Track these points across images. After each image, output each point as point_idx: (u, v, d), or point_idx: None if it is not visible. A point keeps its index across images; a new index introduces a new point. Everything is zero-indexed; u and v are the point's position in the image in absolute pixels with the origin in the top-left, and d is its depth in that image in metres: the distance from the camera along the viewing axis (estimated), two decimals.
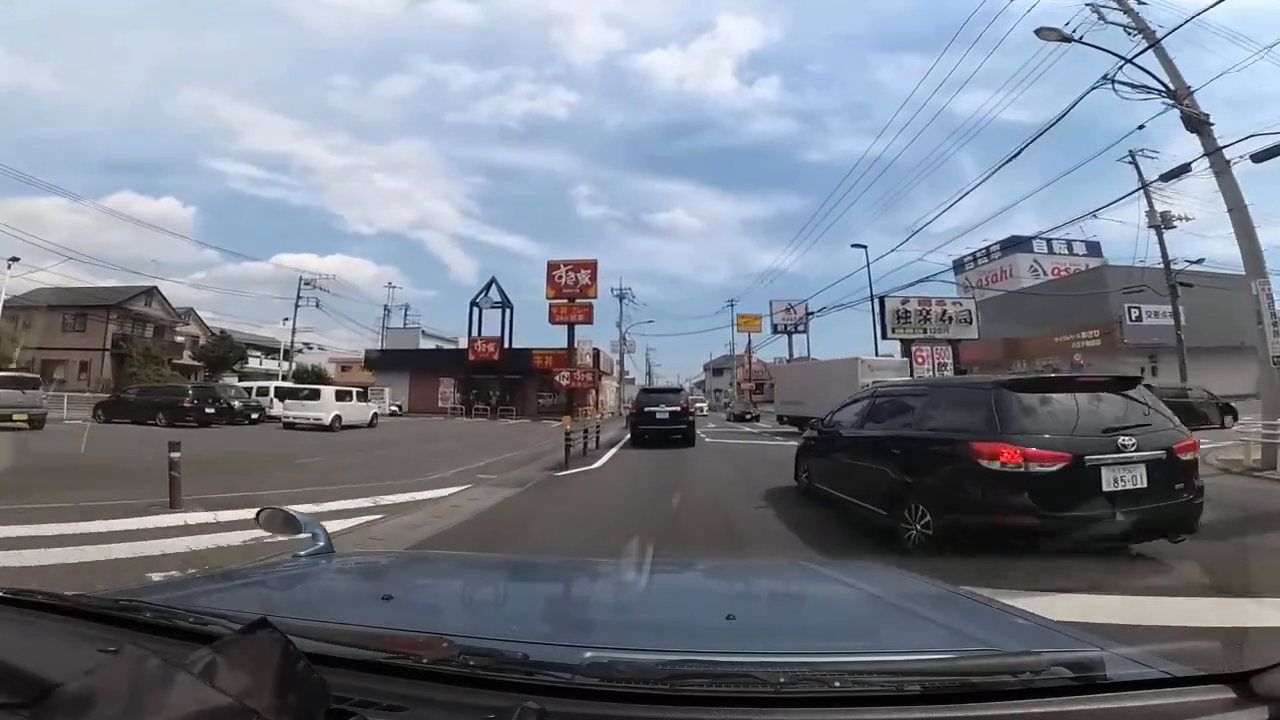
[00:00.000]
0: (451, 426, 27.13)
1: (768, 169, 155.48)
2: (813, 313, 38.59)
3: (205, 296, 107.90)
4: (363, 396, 25.28)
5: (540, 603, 1.48)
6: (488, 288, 41.08)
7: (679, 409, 16.15)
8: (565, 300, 38.32)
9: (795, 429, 19.98)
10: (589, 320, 38.92)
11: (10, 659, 0.76)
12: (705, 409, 46.57)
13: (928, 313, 30.08)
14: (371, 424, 23.84)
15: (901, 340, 28.80)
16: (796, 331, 50.91)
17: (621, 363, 55.69)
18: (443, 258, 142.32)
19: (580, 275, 38.61)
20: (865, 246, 28.84)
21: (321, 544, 1.53)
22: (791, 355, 51.08)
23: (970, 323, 30.21)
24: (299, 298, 43.30)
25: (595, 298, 38.94)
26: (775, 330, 50.93)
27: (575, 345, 38.72)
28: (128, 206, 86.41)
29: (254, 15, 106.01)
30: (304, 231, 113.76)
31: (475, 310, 40.44)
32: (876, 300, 28.63)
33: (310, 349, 53.28)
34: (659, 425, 15.72)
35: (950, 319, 30.26)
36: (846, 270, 51.55)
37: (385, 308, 55.86)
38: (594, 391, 42.83)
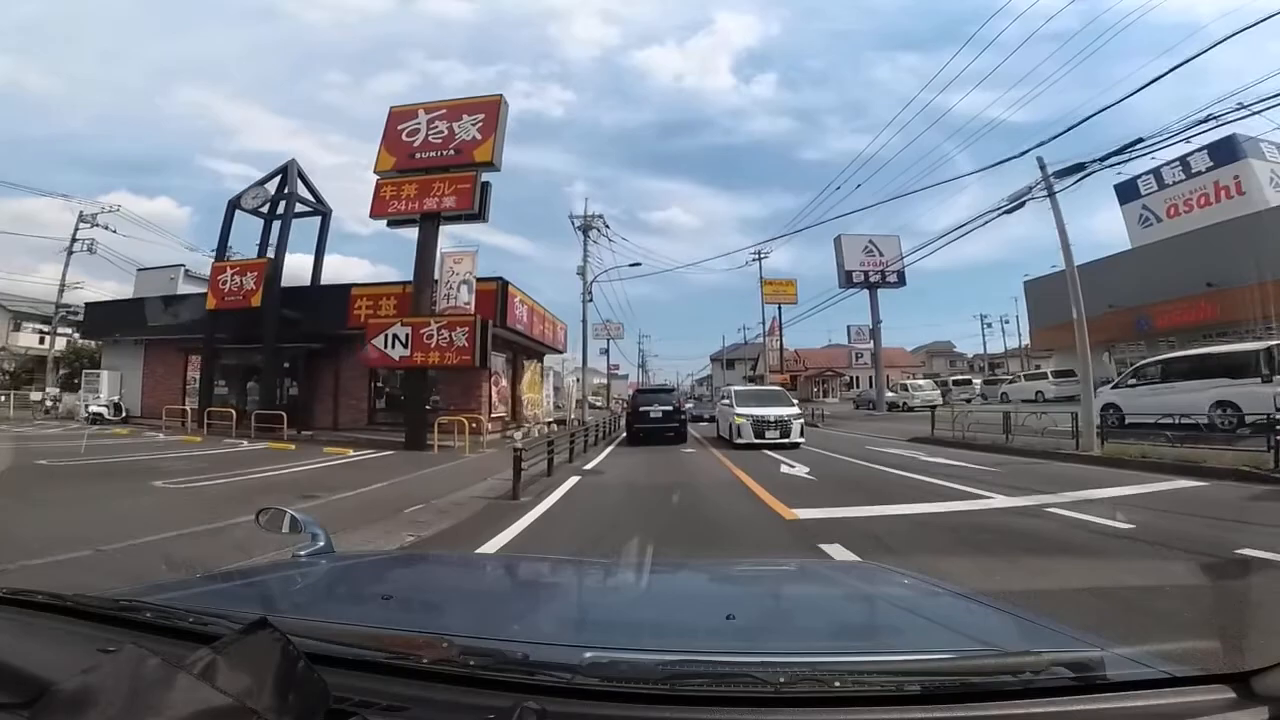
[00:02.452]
0: None
1: (765, 167, 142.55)
2: (1020, 201, 11.54)
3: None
4: None
5: (540, 603, 1.46)
6: (279, 179, 18.85)
7: (672, 408, 16.57)
8: (418, 173, 15.86)
9: None
10: (474, 211, 15.32)
11: (10, 659, 0.75)
12: (799, 426, 13.92)
13: None
14: None
15: None
16: (885, 284, 29.85)
17: (599, 350, 33.79)
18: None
19: (461, 125, 15.75)
20: None
21: (321, 544, 1.51)
22: (876, 322, 29.83)
23: None
24: (74, 240, 29.18)
25: (495, 167, 15.66)
26: (848, 283, 29.82)
27: (442, 271, 15.86)
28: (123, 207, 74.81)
29: (250, 14, 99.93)
30: (297, 232, 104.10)
31: (238, 215, 18.74)
32: None
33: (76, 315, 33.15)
34: (653, 424, 16.10)
35: None
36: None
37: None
38: (490, 381, 17.61)
